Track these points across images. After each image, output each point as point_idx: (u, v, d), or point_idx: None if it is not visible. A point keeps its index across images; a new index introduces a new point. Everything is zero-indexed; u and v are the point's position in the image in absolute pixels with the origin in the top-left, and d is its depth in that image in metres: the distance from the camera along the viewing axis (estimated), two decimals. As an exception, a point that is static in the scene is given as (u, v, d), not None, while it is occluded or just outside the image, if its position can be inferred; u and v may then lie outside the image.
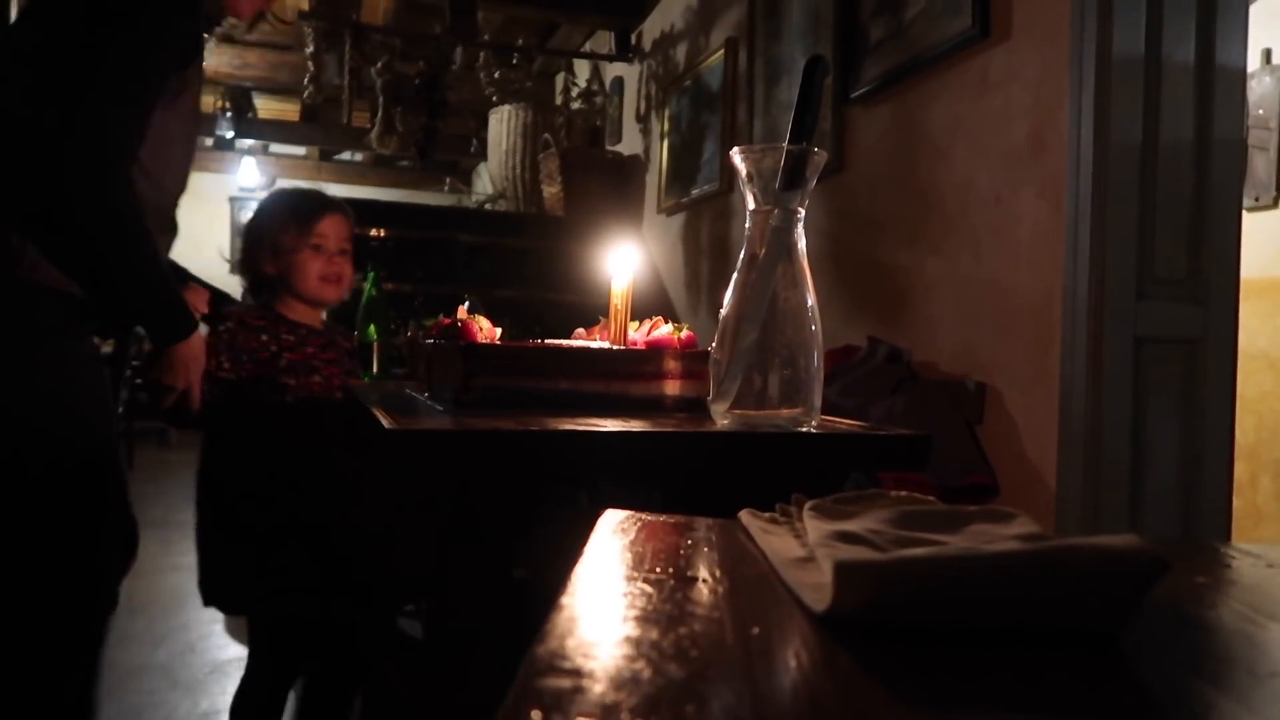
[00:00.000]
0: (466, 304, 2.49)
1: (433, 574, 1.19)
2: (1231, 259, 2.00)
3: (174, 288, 1.35)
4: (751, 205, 1.01)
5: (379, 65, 4.55)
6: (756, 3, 3.32)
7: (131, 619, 2.99)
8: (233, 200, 10.17)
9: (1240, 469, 2.86)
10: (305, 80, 4.69)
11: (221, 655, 2.72)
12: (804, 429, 1.01)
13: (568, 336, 1.67)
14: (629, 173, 4.71)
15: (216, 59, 6.51)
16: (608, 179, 4.65)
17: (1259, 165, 3.31)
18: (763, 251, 1.00)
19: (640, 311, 1.28)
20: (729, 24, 3.63)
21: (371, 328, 2.26)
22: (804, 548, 0.54)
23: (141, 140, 1.24)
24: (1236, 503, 2.31)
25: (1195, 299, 1.95)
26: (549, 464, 0.92)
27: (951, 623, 0.39)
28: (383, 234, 4.14)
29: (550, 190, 4.65)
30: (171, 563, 3.75)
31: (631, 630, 0.37)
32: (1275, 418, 3.27)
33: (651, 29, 4.55)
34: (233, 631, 2.93)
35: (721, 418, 1.03)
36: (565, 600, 0.41)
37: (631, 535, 0.56)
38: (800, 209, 1.00)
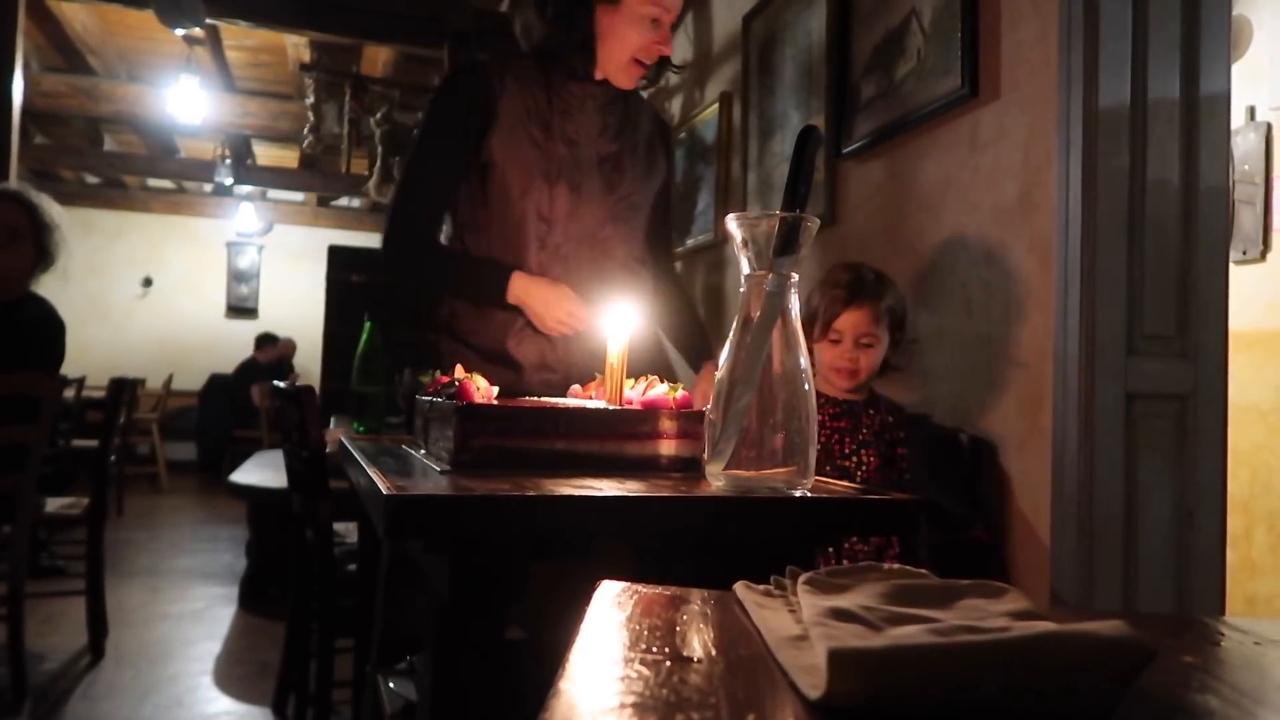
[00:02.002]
0: (462, 354, 2.50)
1: (425, 632, 1.19)
2: (1220, 314, 2.02)
3: (480, 274, 1.80)
4: (746, 270, 1.03)
5: (378, 115, 4.62)
6: (750, 59, 3.39)
7: (118, 670, 2.95)
8: (229, 245, 10.23)
9: (1234, 521, 2.86)
10: (305, 130, 4.75)
11: (210, 709, 2.69)
12: (797, 491, 1.01)
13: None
14: (624, 222, 4.75)
15: (219, 108, 6.59)
16: (603, 228, 4.70)
17: (1246, 219, 3.36)
18: (757, 315, 1.02)
19: (636, 360, 1.28)
20: (723, 79, 3.70)
21: (367, 376, 2.27)
22: (799, 624, 0.54)
23: (445, 212, 1.86)
24: (1231, 556, 2.31)
25: (1185, 354, 1.97)
26: (546, 527, 0.92)
27: (943, 709, 0.39)
28: (379, 282, 4.17)
29: (546, 239, 4.69)
30: (160, 612, 3.72)
31: (629, 719, 0.38)
32: (1268, 470, 3.28)
33: (647, 82, 4.62)
34: (221, 684, 2.90)
35: (716, 478, 1.04)
36: (563, 685, 0.42)
37: (628, 610, 0.57)
38: (794, 274, 1.02)
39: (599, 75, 1.83)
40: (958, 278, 2.19)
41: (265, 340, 8.68)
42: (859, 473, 1.83)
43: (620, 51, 1.78)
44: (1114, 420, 1.88)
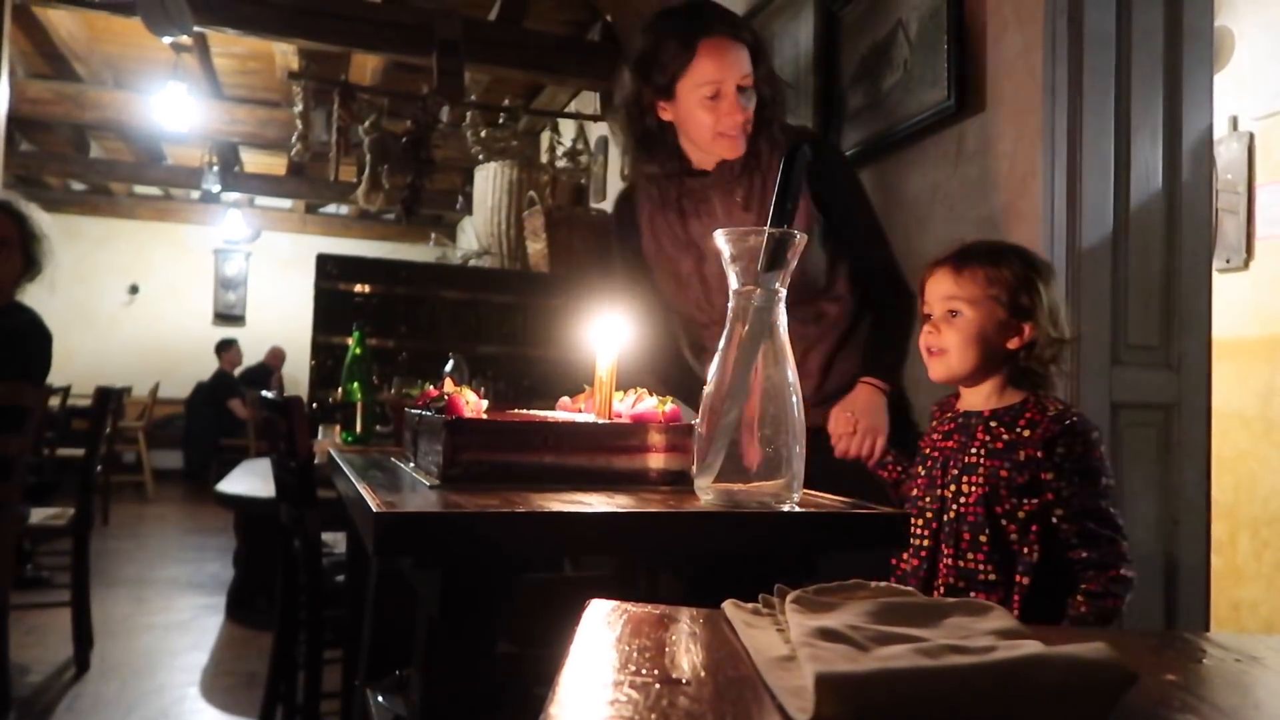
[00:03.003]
0: (451, 363, 2.51)
1: (414, 646, 1.19)
2: (1204, 324, 2.04)
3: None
4: (734, 285, 1.03)
5: (367, 123, 4.61)
6: (738, 68, 3.41)
7: (104, 682, 2.93)
8: (217, 252, 10.19)
9: (1219, 528, 2.88)
10: (293, 137, 4.74)
11: (196, 721, 2.67)
12: (786, 505, 1.02)
13: (551, 393, 1.68)
14: (613, 230, 4.76)
15: (207, 115, 6.57)
16: (592, 236, 4.70)
17: (1229, 228, 3.39)
18: (745, 330, 1.03)
19: (624, 369, 1.28)
20: (711, 88, 3.71)
21: (355, 386, 2.26)
22: (786, 644, 0.55)
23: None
24: (1216, 562, 2.33)
25: (1169, 364, 1.99)
26: (536, 543, 0.92)
27: (929, 733, 0.40)
28: (367, 290, 4.16)
29: (535, 247, 4.70)
30: (146, 623, 3.69)
31: (618, 745, 0.38)
32: (1252, 477, 3.31)
33: (636, 90, 4.63)
34: (207, 695, 2.88)
35: (705, 492, 1.05)
36: (553, 710, 0.42)
37: (617, 630, 0.57)
38: (781, 288, 1.03)
39: (707, 159, 1.79)
40: (944, 287, 2.21)
41: (222, 346, 8.66)
42: (955, 506, 1.42)
43: (700, 134, 1.73)
44: (1099, 429, 1.89)
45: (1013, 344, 1.45)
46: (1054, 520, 1.37)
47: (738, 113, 1.70)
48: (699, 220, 1.82)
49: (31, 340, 2.75)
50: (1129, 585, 1.35)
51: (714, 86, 1.68)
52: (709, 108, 1.69)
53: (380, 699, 1.40)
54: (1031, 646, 0.45)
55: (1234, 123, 3.44)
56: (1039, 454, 1.39)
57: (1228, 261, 3.37)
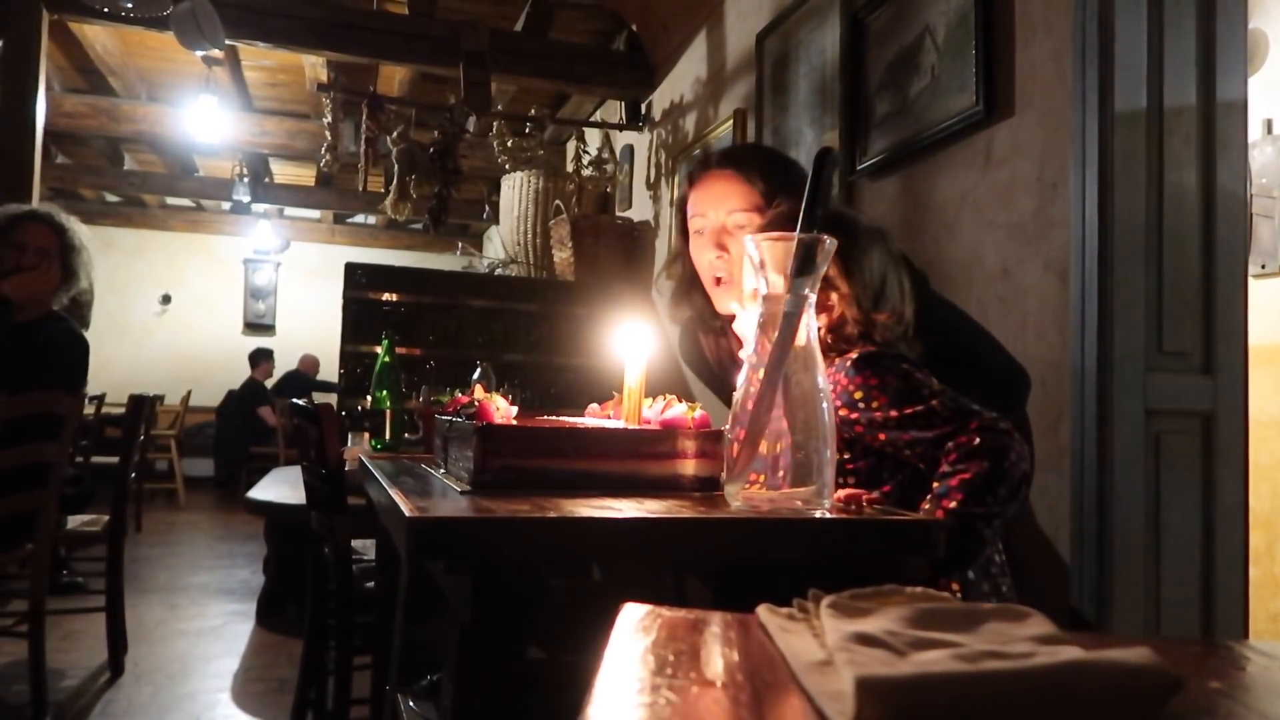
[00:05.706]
0: (479, 370, 2.52)
1: (445, 652, 1.19)
2: (1240, 330, 2.01)
3: None
4: (764, 291, 1.03)
5: (394, 134, 4.65)
6: (764, 76, 3.41)
7: (138, 687, 2.97)
8: (247, 262, 10.32)
9: (1256, 538, 2.83)
10: (322, 148, 4.79)
11: (228, 726, 2.70)
12: (817, 511, 1.01)
13: (577, 401, 1.67)
14: (639, 238, 4.77)
15: (237, 128, 6.66)
16: (618, 244, 4.72)
17: (1264, 233, 3.34)
18: (775, 335, 1.02)
19: (652, 376, 1.27)
20: (737, 96, 3.71)
21: (384, 393, 2.28)
22: (822, 649, 0.54)
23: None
24: (1254, 572, 2.29)
25: (1205, 370, 1.96)
26: (567, 548, 0.93)
27: (970, 738, 0.39)
28: (395, 298, 4.19)
29: (561, 255, 4.72)
30: (178, 629, 3.73)
31: (657, 747, 0.38)
32: (1290, 485, 3.25)
33: (661, 99, 4.65)
34: (239, 701, 2.91)
35: (735, 498, 1.05)
36: (592, 712, 0.42)
37: (652, 635, 0.57)
38: (811, 294, 1.03)
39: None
40: (974, 295, 2.19)
41: (259, 356, 8.73)
42: None
43: (703, 278, 1.53)
44: (1134, 437, 1.87)
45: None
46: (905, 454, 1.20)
47: (710, 250, 1.50)
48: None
49: (69, 349, 2.79)
50: (1003, 437, 1.15)
51: (700, 220, 1.51)
52: (697, 246, 1.53)
53: (411, 705, 1.41)
54: (1072, 652, 0.44)
55: (1268, 126, 3.39)
56: (845, 411, 1.22)
57: (1263, 267, 3.31)
